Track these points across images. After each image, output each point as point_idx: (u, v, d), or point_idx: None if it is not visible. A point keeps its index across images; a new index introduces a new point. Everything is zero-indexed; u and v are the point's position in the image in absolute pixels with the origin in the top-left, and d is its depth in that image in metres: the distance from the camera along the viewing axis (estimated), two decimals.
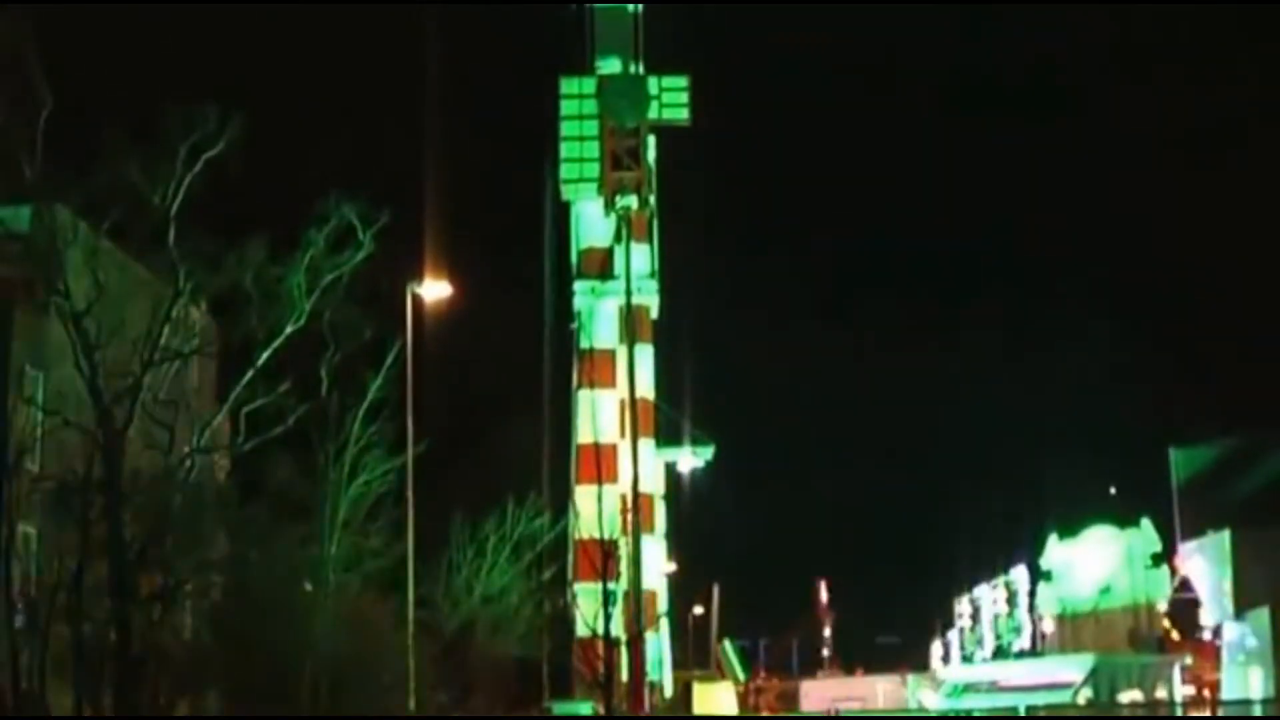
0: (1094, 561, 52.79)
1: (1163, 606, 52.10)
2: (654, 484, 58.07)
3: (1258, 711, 41.46)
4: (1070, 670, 49.75)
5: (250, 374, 32.51)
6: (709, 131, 58.60)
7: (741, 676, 73.66)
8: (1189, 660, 50.61)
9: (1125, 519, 53.37)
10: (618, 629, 41.88)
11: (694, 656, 76.95)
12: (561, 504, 52.00)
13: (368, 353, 35.70)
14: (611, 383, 54.84)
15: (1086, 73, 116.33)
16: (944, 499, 78.37)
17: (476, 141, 70.41)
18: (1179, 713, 44.88)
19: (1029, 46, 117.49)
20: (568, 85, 55.70)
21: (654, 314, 58.61)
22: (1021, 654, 54.83)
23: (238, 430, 33.50)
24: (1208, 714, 45.04)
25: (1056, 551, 54.15)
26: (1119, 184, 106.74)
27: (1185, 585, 50.31)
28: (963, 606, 60.78)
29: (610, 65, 57.21)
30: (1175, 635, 52.22)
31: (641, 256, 56.54)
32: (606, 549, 38.35)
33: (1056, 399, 78.10)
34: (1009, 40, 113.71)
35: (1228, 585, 45.32)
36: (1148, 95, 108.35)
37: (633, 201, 54.35)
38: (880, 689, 62.71)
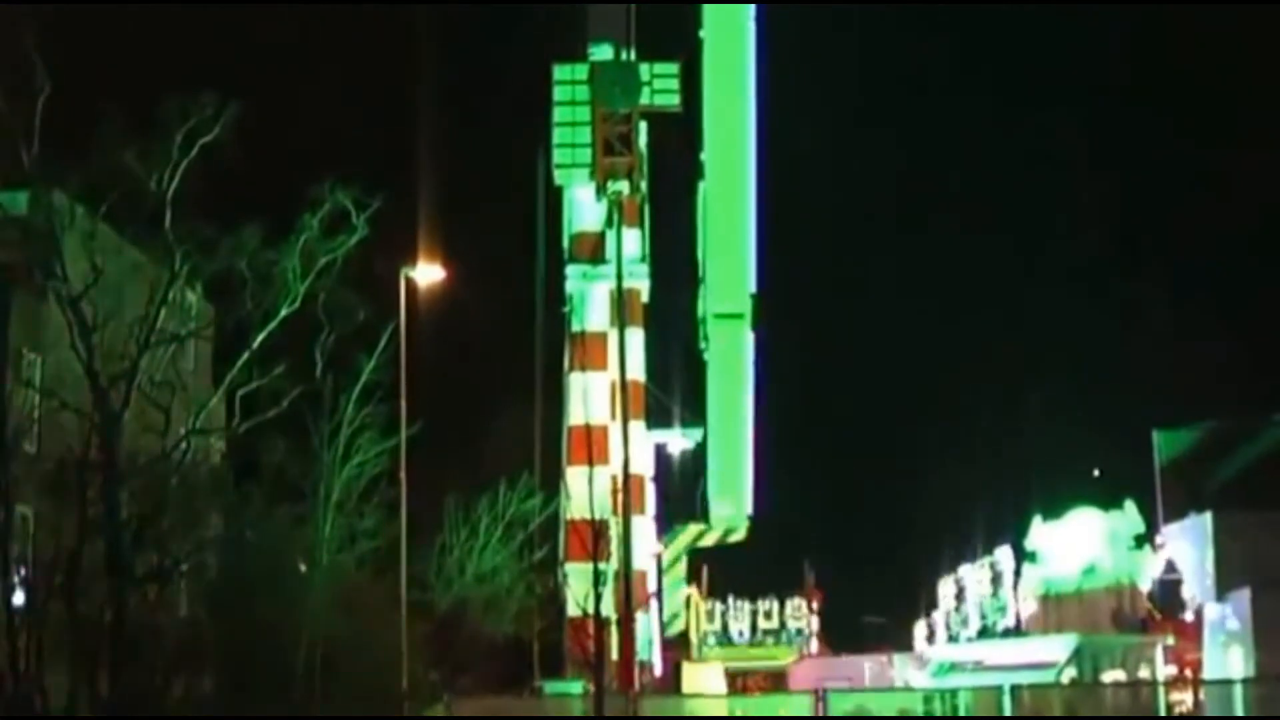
0: (1078, 543, 53.13)
1: (1145, 587, 52.51)
2: (644, 465, 58.52)
3: (1238, 690, 42.04)
4: (1054, 650, 50.16)
5: (245, 357, 32.83)
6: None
7: None
8: (1171, 640, 50.99)
9: (1109, 501, 53.76)
10: (608, 609, 42.28)
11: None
12: (553, 485, 52.40)
13: (361, 336, 36.06)
14: (603, 365, 55.18)
15: None
16: (929, 481, 78.78)
17: (469, 127, 70.82)
18: (1161, 691, 45.34)
19: None
20: (560, 71, 55.96)
21: (645, 298, 59.03)
22: (1006, 634, 55.20)
23: (233, 412, 33.81)
24: (1189, 693, 45.53)
25: (1041, 533, 54.48)
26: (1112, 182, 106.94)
27: (1171, 567, 50.69)
28: (947, 587, 61.15)
29: (602, 52, 57.44)
30: (1158, 616, 52.63)
31: (633, 241, 56.95)
32: (597, 529, 38.67)
33: (1041, 382, 78.58)
34: None
35: (1210, 567, 45.71)
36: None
37: (624, 186, 54.61)
38: (867, 668, 62.98)
